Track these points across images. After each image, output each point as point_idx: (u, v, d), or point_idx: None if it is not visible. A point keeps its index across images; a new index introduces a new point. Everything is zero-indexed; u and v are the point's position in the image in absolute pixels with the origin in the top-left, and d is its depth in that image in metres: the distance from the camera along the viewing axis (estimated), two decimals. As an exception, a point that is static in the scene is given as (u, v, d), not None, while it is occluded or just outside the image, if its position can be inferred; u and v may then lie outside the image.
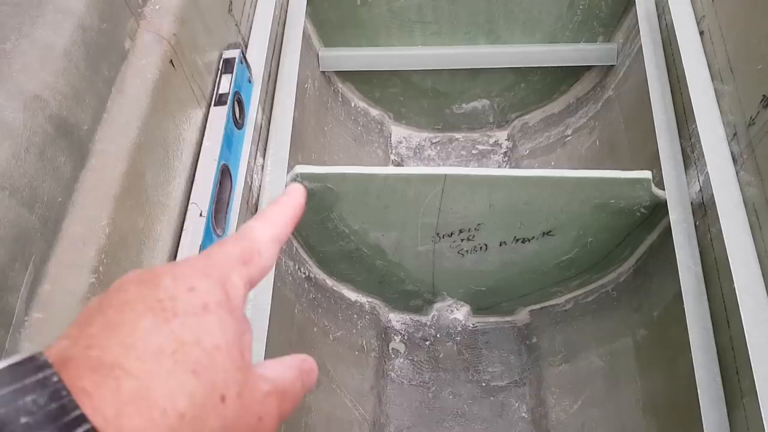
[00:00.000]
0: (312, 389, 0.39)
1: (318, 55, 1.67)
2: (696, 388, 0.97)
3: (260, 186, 1.17)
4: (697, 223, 1.11)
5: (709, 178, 1.07)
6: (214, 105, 1.04)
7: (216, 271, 0.35)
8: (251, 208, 1.12)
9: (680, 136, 1.22)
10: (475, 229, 1.32)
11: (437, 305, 1.54)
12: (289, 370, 0.37)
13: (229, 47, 1.13)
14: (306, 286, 1.36)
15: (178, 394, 0.29)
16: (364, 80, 1.78)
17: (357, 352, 1.42)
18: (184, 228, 0.89)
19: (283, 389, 0.36)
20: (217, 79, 1.08)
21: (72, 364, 0.28)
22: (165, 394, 0.29)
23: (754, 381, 0.88)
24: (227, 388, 0.31)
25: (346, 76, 1.76)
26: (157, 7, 0.93)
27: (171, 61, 0.91)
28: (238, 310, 0.34)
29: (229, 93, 1.05)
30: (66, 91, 0.71)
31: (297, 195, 0.42)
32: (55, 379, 0.27)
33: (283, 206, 0.41)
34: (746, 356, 0.91)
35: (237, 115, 1.08)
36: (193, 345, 0.30)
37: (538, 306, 1.51)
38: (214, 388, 0.30)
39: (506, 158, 1.81)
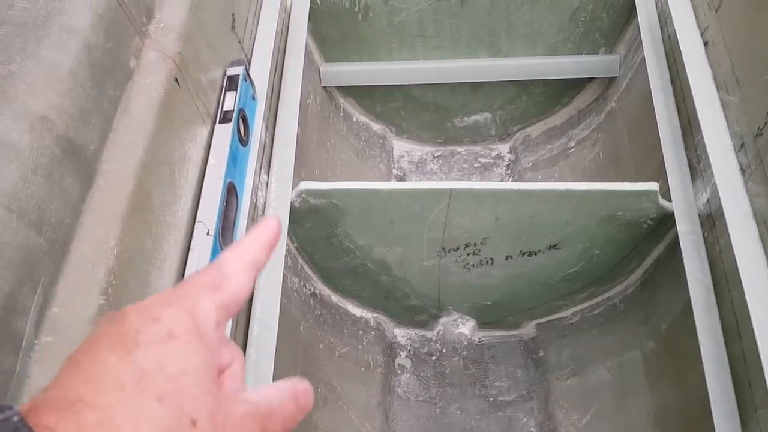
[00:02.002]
0: (309, 409, 0.40)
1: (320, 70, 1.66)
2: (708, 401, 0.96)
3: (265, 203, 1.17)
4: (706, 234, 1.11)
5: (716, 189, 1.07)
6: (219, 122, 1.03)
7: (183, 299, 0.35)
8: (256, 225, 1.11)
9: (686, 148, 1.21)
10: (481, 243, 1.31)
11: (443, 320, 1.53)
12: (279, 391, 0.38)
13: (232, 64, 1.13)
14: (311, 302, 1.35)
15: (143, 422, 0.29)
16: (365, 95, 1.78)
17: (363, 369, 1.41)
18: (192, 247, 0.88)
19: (268, 411, 0.36)
20: (222, 96, 1.07)
21: (36, 406, 0.29)
22: (129, 423, 0.29)
23: (768, 394, 0.87)
24: (197, 411, 0.31)
25: (347, 90, 1.76)
26: (161, 25, 0.93)
27: (176, 80, 0.91)
28: (209, 335, 0.34)
29: (233, 110, 1.05)
30: (72, 111, 0.71)
31: (271, 223, 0.42)
32: (15, 418, 0.28)
33: (256, 234, 0.41)
34: (759, 368, 0.90)
35: (242, 132, 1.07)
36: (156, 373, 0.31)
37: (544, 319, 1.50)
38: (182, 413, 0.30)
39: (509, 171, 1.81)
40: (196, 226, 0.90)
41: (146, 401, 0.30)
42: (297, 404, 0.38)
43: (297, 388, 0.39)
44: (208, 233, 0.89)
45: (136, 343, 0.31)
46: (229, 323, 0.92)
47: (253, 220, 1.09)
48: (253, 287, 0.40)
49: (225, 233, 0.95)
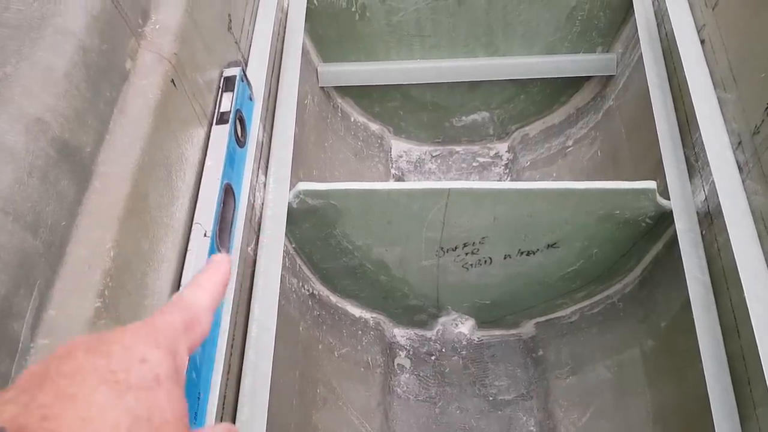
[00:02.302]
0: None
1: (317, 70, 1.66)
2: (707, 399, 0.96)
3: (263, 204, 1.16)
4: (704, 232, 1.11)
5: (714, 187, 1.07)
6: (216, 124, 1.03)
7: (164, 340, 0.36)
8: (254, 226, 1.11)
9: (684, 145, 1.21)
10: (480, 242, 1.31)
11: (442, 319, 1.53)
12: None
13: (229, 65, 1.12)
14: (310, 303, 1.35)
15: None
16: (363, 95, 1.78)
17: (362, 369, 1.41)
18: (189, 249, 0.88)
19: None
20: (218, 97, 1.07)
21: (24, 429, 0.29)
22: None
23: (767, 391, 0.87)
24: None
25: (345, 90, 1.76)
26: (157, 26, 0.93)
27: (172, 81, 0.91)
28: (183, 380, 0.36)
29: (230, 111, 1.05)
30: (68, 113, 0.71)
31: (224, 262, 0.44)
32: None
33: (213, 274, 0.43)
34: (758, 366, 0.90)
35: (239, 133, 1.07)
36: (144, 421, 0.31)
37: (543, 318, 1.50)
38: None
39: (507, 170, 1.81)
40: (193, 227, 0.90)
41: None
42: None
43: None
44: (205, 235, 0.89)
45: (129, 385, 0.32)
46: (227, 324, 0.92)
47: (250, 221, 1.09)
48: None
49: (222, 235, 0.94)
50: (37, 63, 0.71)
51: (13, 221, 0.60)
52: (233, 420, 0.93)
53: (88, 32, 0.78)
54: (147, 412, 0.32)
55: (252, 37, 1.29)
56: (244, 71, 1.13)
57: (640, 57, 1.38)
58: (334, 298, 1.44)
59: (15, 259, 0.59)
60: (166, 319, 0.38)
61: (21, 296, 0.59)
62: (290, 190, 1.19)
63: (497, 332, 1.53)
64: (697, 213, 1.13)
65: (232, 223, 0.99)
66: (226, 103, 1.06)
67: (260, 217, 1.15)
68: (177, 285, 0.84)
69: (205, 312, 0.40)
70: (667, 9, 1.33)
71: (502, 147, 1.85)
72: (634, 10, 1.47)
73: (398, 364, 1.48)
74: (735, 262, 0.98)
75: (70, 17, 0.77)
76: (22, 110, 0.67)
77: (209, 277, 0.43)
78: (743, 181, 1.06)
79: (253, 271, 1.08)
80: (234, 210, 1.00)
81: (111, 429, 0.30)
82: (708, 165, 1.09)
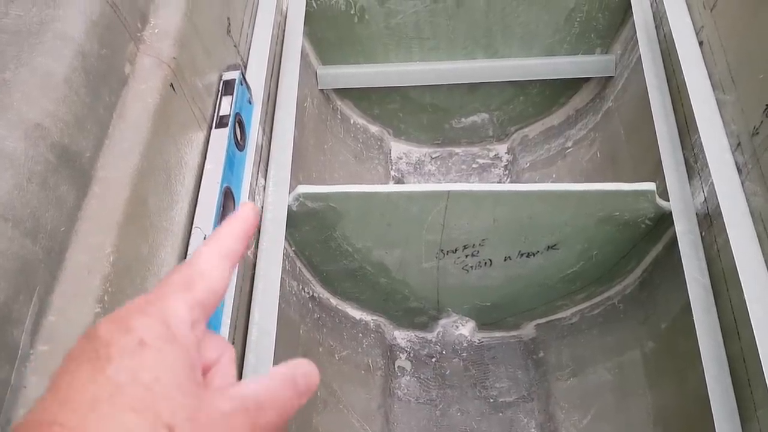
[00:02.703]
0: (311, 392, 0.38)
1: (316, 73, 1.66)
2: (708, 401, 0.96)
3: (262, 207, 1.16)
4: (703, 233, 1.11)
5: (714, 188, 1.07)
6: (215, 127, 1.03)
7: (154, 304, 0.34)
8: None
9: (683, 147, 1.21)
10: (480, 244, 1.31)
11: (442, 321, 1.53)
12: (272, 380, 0.36)
13: (228, 69, 1.12)
14: (310, 305, 1.35)
15: None
16: (362, 97, 1.78)
17: (363, 371, 1.41)
18: (189, 253, 0.88)
19: (256, 403, 0.34)
20: (218, 101, 1.07)
21: None
22: None
23: (767, 392, 0.87)
24: (174, 416, 0.31)
25: (344, 93, 1.76)
26: (156, 30, 0.93)
27: (171, 85, 0.91)
28: (184, 337, 0.34)
29: (229, 115, 1.05)
30: (67, 118, 0.71)
31: (247, 209, 0.41)
32: None
33: (231, 223, 0.40)
34: (759, 367, 0.90)
35: (238, 136, 1.07)
36: (129, 385, 0.30)
37: (544, 320, 1.50)
38: (156, 419, 0.30)
39: (507, 171, 1.81)
40: (192, 231, 0.90)
41: (121, 415, 0.30)
42: (295, 390, 0.37)
43: (296, 372, 0.37)
44: (204, 238, 0.89)
45: (109, 358, 0.31)
46: (227, 327, 0.92)
47: (250, 224, 1.09)
48: (232, 277, 0.39)
49: (222, 238, 0.94)
50: (36, 68, 0.71)
51: (13, 227, 0.60)
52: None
53: (88, 37, 0.78)
54: (131, 377, 0.31)
55: (251, 41, 1.29)
56: (243, 74, 1.13)
57: (639, 58, 1.39)
58: (334, 301, 1.44)
59: (14, 265, 0.59)
60: (164, 280, 0.36)
61: (20, 302, 0.59)
62: (290, 193, 1.19)
63: (498, 334, 1.53)
64: (697, 214, 1.13)
65: (231, 227, 0.98)
66: (226, 106, 1.06)
67: (260, 221, 1.15)
68: (177, 289, 0.84)
69: (212, 264, 0.37)
70: (665, 10, 1.33)
71: (501, 148, 1.86)
72: (632, 12, 1.47)
73: (399, 367, 1.48)
74: (735, 264, 0.98)
75: (69, 22, 0.77)
76: (22, 116, 0.67)
77: (227, 228, 0.40)
78: (742, 183, 1.06)
79: (253, 275, 1.09)
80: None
81: (90, 402, 0.29)
82: (707, 166, 1.09)
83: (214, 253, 0.38)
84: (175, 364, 0.32)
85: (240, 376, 0.97)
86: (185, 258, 0.87)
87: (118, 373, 0.31)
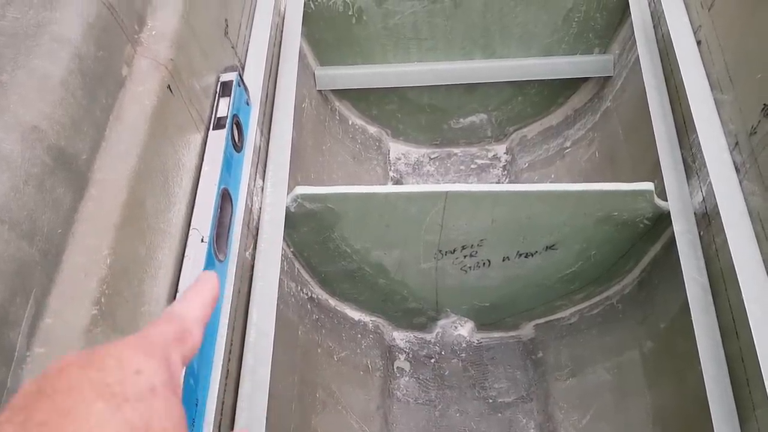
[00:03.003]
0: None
1: (314, 74, 1.66)
2: (706, 401, 0.96)
3: (260, 208, 1.16)
4: (702, 233, 1.11)
5: (712, 188, 1.07)
6: (213, 129, 1.03)
7: (157, 350, 0.36)
8: (252, 231, 1.11)
9: (681, 147, 1.21)
10: (478, 245, 1.31)
11: (441, 322, 1.53)
12: None
13: (226, 70, 1.12)
14: (309, 307, 1.35)
15: None
16: (361, 98, 1.78)
17: (362, 372, 1.41)
18: (186, 254, 0.88)
19: None
20: (215, 102, 1.07)
21: None
22: None
23: (766, 392, 0.87)
24: None
25: (342, 94, 1.76)
26: (153, 32, 0.93)
27: (168, 87, 0.91)
28: (180, 388, 0.36)
29: (227, 116, 1.05)
30: (64, 121, 0.71)
31: (211, 278, 0.44)
32: None
33: (201, 290, 0.43)
34: (757, 367, 0.90)
35: (236, 138, 1.07)
36: (142, 430, 0.32)
37: (542, 320, 1.50)
38: None
39: (505, 172, 1.81)
40: (190, 233, 0.90)
41: None
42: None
43: None
44: (202, 240, 0.89)
45: (125, 397, 0.32)
46: (224, 328, 0.92)
47: (248, 226, 1.09)
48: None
49: (219, 240, 0.94)
50: (33, 71, 0.71)
51: (9, 229, 0.60)
52: (232, 426, 0.93)
53: (84, 39, 0.78)
54: (145, 423, 0.32)
55: (249, 42, 1.29)
56: (241, 76, 1.13)
57: (637, 58, 1.39)
58: (333, 302, 1.44)
59: (11, 267, 0.59)
60: (158, 329, 0.38)
61: (17, 305, 0.59)
62: (288, 194, 1.19)
63: (496, 334, 1.53)
64: (695, 214, 1.13)
65: (229, 228, 0.99)
66: (223, 108, 1.06)
67: (258, 222, 1.15)
68: (174, 291, 0.84)
69: (195, 324, 0.40)
70: (663, 10, 1.33)
71: (500, 149, 1.85)
72: (630, 12, 1.47)
73: (398, 368, 1.48)
74: (733, 263, 0.98)
75: (66, 25, 0.77)
76: (18, 118, 0.67)
77: (198, 293, 0.43)
78: (740, 182, 1.06)
79: (251, 276, 1.08)
80: (231, 215, 1.00)
81: None
82: (705, 166, 1.09)
83: (195, 314, 0.41)
84: (177, 417, 0.34)
85: (238, 377, 0.97)
86: (182, 260, 0.87)
87: (134, 416, 0.32)
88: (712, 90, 1.18)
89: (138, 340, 0.36)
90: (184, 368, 0.39)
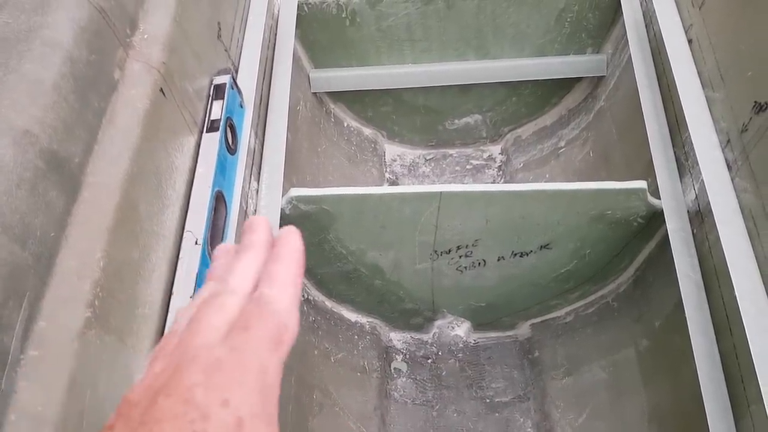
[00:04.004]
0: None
1: (309, 76, 1.67)
2: (701, 398, 0.96)
3: (255, 211, 1.17)
4: (695, 231, 1.11)
5: (704, 185, 1.07)
6: (206, 131, 1.04)
7: (251, 370, 0.33)
8: (247, 233, 1.11)
9: (674, 145, 1.22)
10: (473, 245, 1.32)
11: (438, 323, 1.53)
12: None
13: (219, 73, 1.13)
14: (305, 308, 1.35)
15: None
16: (355, 100, 1.78)
17: (359, 374, 1.41)
18: (180, 257, 0.88)
19: None
20: (209, 105, 1.07)
21: None
22: None
23: (760, 388, 0.87)
24: None
25: (337, 96, 1.76)
26: (145, 36, 0.93)
27: (161, 90, 0.91)
28: (275, 416, 0.33)
29: (220, 119, 1.05)
30: (56, 124, 0.71)
31: (295, 239, 0.38)
32: None
33: (288, 261, 0.38)
34: (750, 364, 0.90)
35: (229, 140, 1.07)
36: None
37: (538, 319, 1.50)
38: None
39: (500, 172, 1.81)
40: (184, 235, 0.90)
41: None
42: None
43: None
44: (196, 243, 0.90)
45: None
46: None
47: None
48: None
49: (214, 242, 0.95)
50: (25, 75, 0.72)
51: (2, 233, 0.60)
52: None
53: (76, 43, 0.78)
54: None
55: (242, 45, 1.30)
56: (234, 79, 1.14)
57: (630, 57, 1.39)
58: (329, 303, 1.45)
59: (4, 271, 0.59)
60: (253, 341, 0.34)
61: (10, 308, 0.59)
62: (283, 196, 1.19)
63: (493, 334, 1.53)
64: (688, 212, 1.14)
65: (223, 231, 0.99)
66: (217, 110, 1.06)
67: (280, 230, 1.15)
68: (168, 294, 0.85)
69: (290, 315, 0.36)
70: (654, 9, 1.34)
71: (495, 149, 1.86)
72: (622, 11, 1.48)
73: (395, 368, 1.49)
74: (725, 260, 0.99)
75: (58, 29, 0.77)
76: (10, 122, 0.67)
77: (286, 265, 0.37)
78: (732, 179, 1.06)
79: (247, 278, 1.08)
80: (226, 217, 1.01)
81: None
82: (697, 164, 1.10)
83: (288, 299, 0.36)
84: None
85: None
86: (176, 262, 0.88)
87: None
88: (703, 88, 1.18)
89: (231, 361, 0.33)
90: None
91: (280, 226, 1.16)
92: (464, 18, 1.62)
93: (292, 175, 1.33)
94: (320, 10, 1.59)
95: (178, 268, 0.87)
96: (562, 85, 1.75)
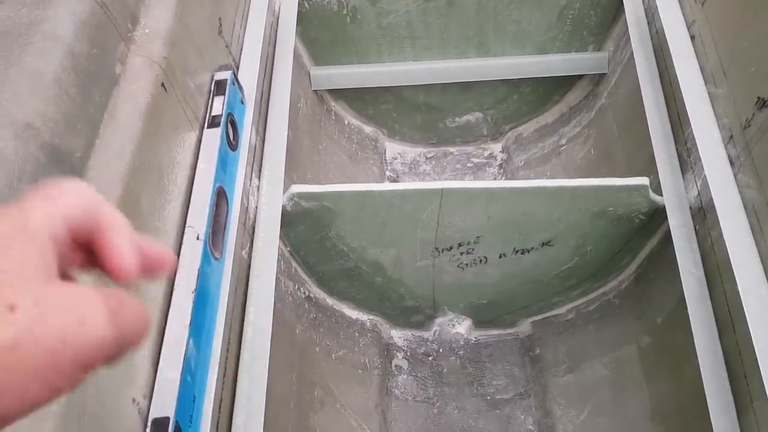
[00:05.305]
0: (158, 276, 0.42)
1: (310, 73, 1.66)
2: (704, 394, 0.96)
3: (257, 207, 1.16)
4: (697, 227, 1.11)
5: (707, 181, 1.07)
6: (207, 127, 1.03)
7: (16, 208, 0.36)
8: (248, 229, 1.11)
9: (676, 141, 1.22)
10: (474, 242, 1.31)
11: (439, 320, 1.53)
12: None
13: (220, 69, 1.12)
14: (306, 306, 1.35)
15: None
16: (356, 97, 1.78)
17: (360, 371, 1.41)
18: (182, 252, 0.88)
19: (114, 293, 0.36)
20: (210, 101, 1.07)
21: None
22: None
23: (763, 384, 0.87)
24: (15, 297, 0.32)
25: (338, 93, 1.76)
26: (146, 31, 0.93)
27: (162, 85, 0.91)
28: (37, 239, 0.35)
29: (221, 115, 1.05)
30: (57, 118, 0.71)
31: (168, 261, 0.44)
32: None
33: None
34: (754, 360, 0.90)
35: (231, 136, 1.07)
36: None
37: (540, 317, 1.50)
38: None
39: (501, 170, 1.81)
40: (185, 230, 0.90)
41: None
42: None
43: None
44: (198, 238, 0.89)
45: None
46: (222, 328, 0.91)
47: (244, 224, 1.09)
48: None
49: (215, 237, 0.94)
50: (26, 68, 0.71)
51: (3, 226, 0.60)
52: (230, 424, 0.93)
53: (77, 37, 0.78)
54: None
55: (243, 41, 1.29)
56: (235, 75, 1.14)
57: (632, 54, 1.39)
58: (330, 301, 1.44)
59: (5, 264, 0.59)
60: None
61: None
62: (284, 192, 1.19)
63: (494, 331, 1.53)
64: (690, 208, 1.13)
65: (225, 226, 0.99)
66: (218, 106, 1.06)
67: (254, 221, 1.15)
68: (170, 289, 0.84)
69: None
70: (657, 6, 1.33)
71: (496, 147, 1.86)
72: (624, 8, 1.48)
73: (396, 366, 1.48)
74: (728, 256, 0.98)
75: (59, 23, 0.77)
76: (12, 116, 0.67)
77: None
78: (735, 175, 1.06)
79: (248, 275, 1.08)
80: (227, 213, 1.00)
81: None
82: (700, 160, 1.10)
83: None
84: (24, 261, 0.33)
85: (235, 375, 0.97)
86: (178, 257, 0.87)
87: None
88: (706, 84, 1.18)
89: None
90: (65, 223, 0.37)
91: (282, 222, 1.16)
92: (465, 15, 1.62)
93: (292, 172, 1.32)
94: (321, 7, 1.59)
95: (179, 263, 0.87)
96: (564, 83, 1.75)
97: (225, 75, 1.10)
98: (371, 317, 1.50)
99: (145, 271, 0.41)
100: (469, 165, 1.84)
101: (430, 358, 1.50)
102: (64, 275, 0.38)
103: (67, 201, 0.38)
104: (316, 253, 1.34)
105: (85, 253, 0.40)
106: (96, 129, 0.79)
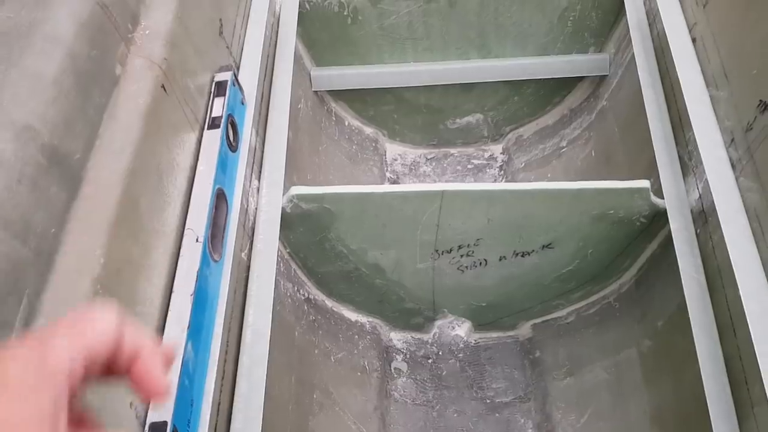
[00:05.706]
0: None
1: (310, 74, 1.66)
2: (705, 399, 0.96)
3: (256, 209, 1.16)
4: (698, 230, 1.10)
5: (708, 185, 1.07)
6: (208, 128, 1.03)
7: (39, 346, 0.36)
8: (248, 231, 1.11)
9: (677, 144, 1.21)
10: (474, 244, 1.31)
11: (438, 322, 1.52)
12: None
13: (220, 70, 1.12)
14: (305, 307, 1.35)
15: None
16: (357, 99, 1.77)
17: (359, 373, 1.41)
18: (181, 254, 0.88)
19: None
20: (210, 102, 1.07)
21: None
22: None
23: (764, 390, 0.87)
24: None
25: (338, 95, 1.76)
26: (147, 32, 0.93)
27: (162, 86, 0.90)
28: (53, 386, 0.35)
29: (222, 116, 1.04)
30: (57, 120, 0.70)
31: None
32: None
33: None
34: (755, 365, 0.89)
35: (231, 138, 1.07)
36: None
37: (540, 320, 1.49)
38: None
39: (502, 172, 1.80)
40: (185, 233, 0.90)
41: None
42: None
43: None
44: (197, 240, 0.89)
45: None
46: (221, 330, 0.91)
47: (243, 226, 1.09)
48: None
49: (214, 240, 0.94)
50: (26, 70, 0.71)
51: (2, 229, 0.60)
52: (228, 428, 0.92)
53: (77, 39, 0.77)
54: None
55: (243, 42, 1.29)
56: (235, 76, 1.13)
57: (633, 57, 1.39)
58: (329, 303, 1.44)
59: (3, 267, 0.59)
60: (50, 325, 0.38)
61: (9, 305, 0.59)
62: (284, 194, 1.18)
63: (494, 334, 1.53)
64: (692, 211, 1.13)
65: (224, 228, 0.98)
66: (218, 107, 1.06)
67: (254, 222, 1.14)
68: (168, 291, 0.84)
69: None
70: (658, 8, 1.33)
71: (496, 149, 1.85)
72: (625, 10, 1.47)
73: (395, 368, 1.48)
74: (730, 260, 0.98)
75: (59, 24, 0.77)
76: (11, 117, 0.66)
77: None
78: (737, 179, 1.06)
79: (247, 277, 1.08)
80: (226, 215, 1.00)
81: None
82: (701, 163, 1.09)
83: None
84: (34, 414, 0.33)
85: (234, 378, 0.97)
86: (177, 259, 0.87)
87: None
88: (707, 87, 1.18)
89: (34, 336, 0.37)
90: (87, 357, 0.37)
91: (282, 224, 1.15)
92: (466, 16, 1.62)
93: (292, 173, 1.32)
94: (322, 7, 1.58)
95: (178, 265, 0.87)
96: (564, 85, 1.74)
97: (225, 76, 1.10)
98: (371, 319, 1.49)
99: None
100: (469, 166, 1.84)
101: (430, 361, 1.49)
102: (74, 413, 0.38)
103: (96, 333, 0.38)
104: (315, 255, 1.33)
105: (99, 367, 0.40)
106: (96, 130, 0.78)
